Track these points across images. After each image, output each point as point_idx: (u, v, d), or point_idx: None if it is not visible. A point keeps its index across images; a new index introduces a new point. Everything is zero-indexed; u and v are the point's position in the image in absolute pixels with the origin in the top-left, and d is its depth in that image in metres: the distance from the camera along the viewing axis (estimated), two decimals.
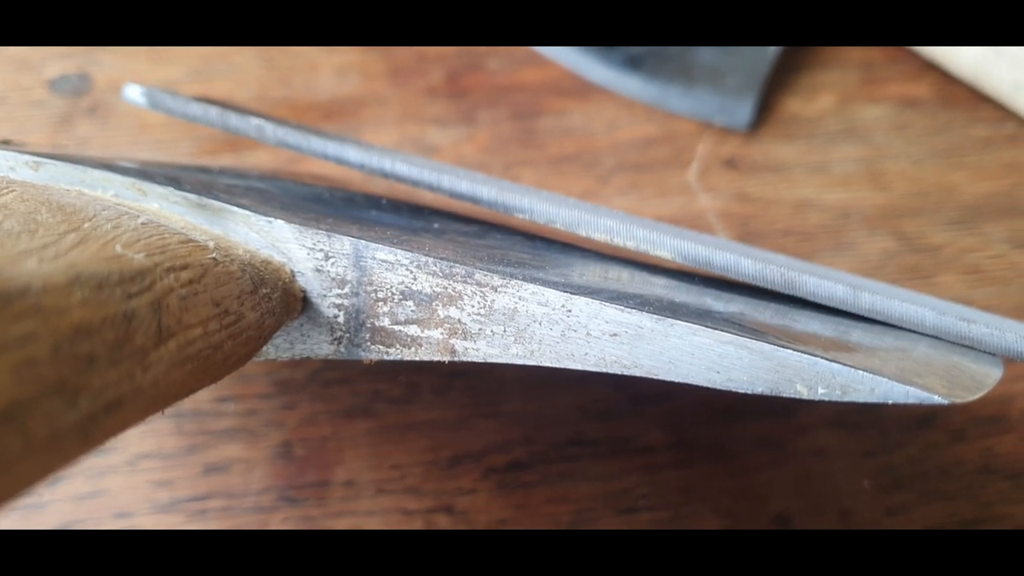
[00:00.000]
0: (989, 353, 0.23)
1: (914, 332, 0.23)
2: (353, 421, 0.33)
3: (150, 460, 0.32)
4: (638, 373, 0.20)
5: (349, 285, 0.22)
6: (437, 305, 0.21)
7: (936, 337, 0.23)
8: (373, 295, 0.22)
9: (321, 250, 0.22)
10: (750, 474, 0.32)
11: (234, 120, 0.28)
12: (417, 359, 0.22)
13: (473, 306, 0.21)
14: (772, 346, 0.19)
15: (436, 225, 0.28)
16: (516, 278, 0.21)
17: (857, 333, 0.23)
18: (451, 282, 0.21)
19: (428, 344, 0.22)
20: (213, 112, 0.29)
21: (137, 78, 0.44)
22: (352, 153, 0.28)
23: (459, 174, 0.28)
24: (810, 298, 0.24)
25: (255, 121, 0.28)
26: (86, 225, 0.17)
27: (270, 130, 0.28)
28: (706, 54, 0.46)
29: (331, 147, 0.28)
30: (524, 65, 0.46)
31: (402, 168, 0.28)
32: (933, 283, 0.38)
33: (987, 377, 0.21)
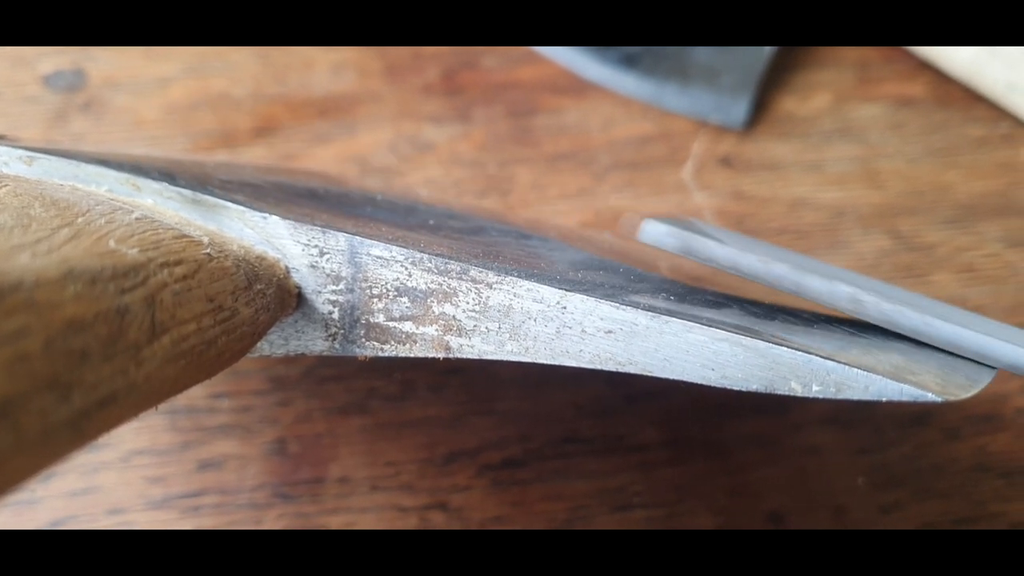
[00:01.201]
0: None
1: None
2: (348, 418, 0.33)
3: (143, 456, 0.32)
4: (633, 370, 0.20)
5: (344, 281, 0.22)
6: (432, 302, 0.21)
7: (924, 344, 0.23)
8: (368, 291, 0.22)
9: (316, 246, 0.22)
10: (744, 471, 0.32)
11: (813, 283, 0.23)
12: (412, 356, 0.22)
13: (468, 303, 0.21)
14: (767, 343, 0.19)
15: (431, 222, 0.28)
16: (511, 275, 0.21)
17: (852, 332, 0.23)
18: (446, 279, 0.21)
19: (423, 341, 0.22)
20: (781, 270, 0.23)
21: (132, 74, 0.44)
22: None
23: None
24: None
25: (846, 289, 0.23)
26: (80, 220, 0.17)
27: (871, 305, 0.23)
28: (702, 53, 0.46)
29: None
30: (520, 63, 0.46)
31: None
32: (928, 282, 0.38)
33: (981, 375, 0.21)
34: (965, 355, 0.22)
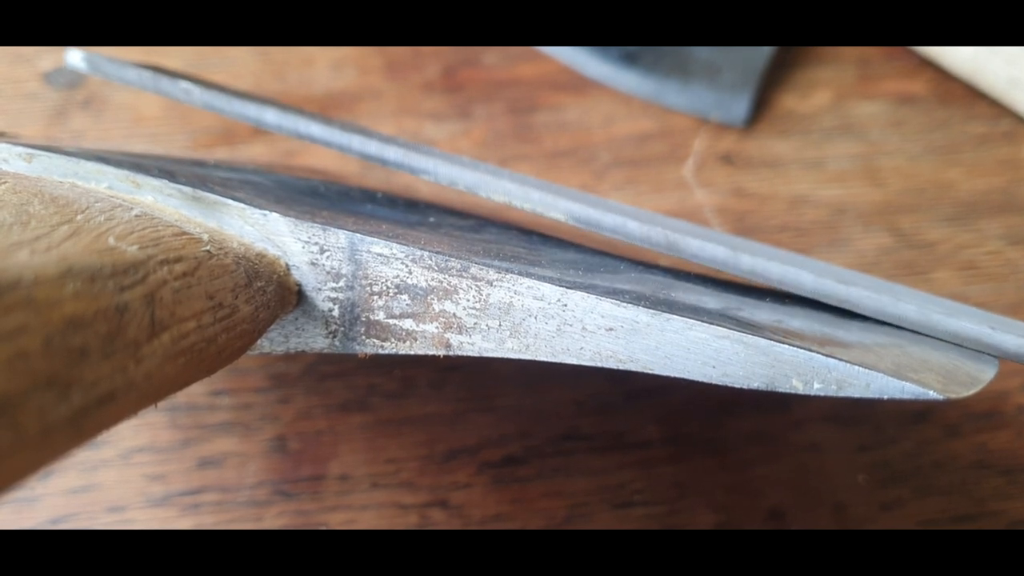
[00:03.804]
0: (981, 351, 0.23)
1: (906, 329, 0.23)
2: (348, 415, 0.33)
3: (143, 454, 0.32)
4: (634, 368, 0.20)
5: (344, 279, 0.22)
6: (432, 299, 0.21)
7: (924, 334, 0.23)
8: (368, 289, 0.22)
9: (316, 243, 0.22)
10: (745, 469, 0.32)
11: (164, 84, 0.29)
12: (412, 353, 0.22)
13: (468, 300, 0.21)
14: (768, 341, 0.19)
15: (432, 219, 0.28)
16: (512, 272, 0.21)
17: (853, 329, 0.23)
18: (446, 276, 0.21)
19: (423, 338, 0.22)
20: (146, 76, 0.29)
21: None
22: (270, 115, 0.28)
23: (371, 135, 0.28)
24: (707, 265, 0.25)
25: (183, 84, 0.29)
26: (79, 217, 0.17)
27: (197, 93, 0.29)
28: (703, 50, 0.46)
29: (251, 109, 0.28)
30: (520, 60, 0.46)
31: (314, 129, 0.28)
32: (929, 279, 0.38)
33: (982, 373, 0.21)
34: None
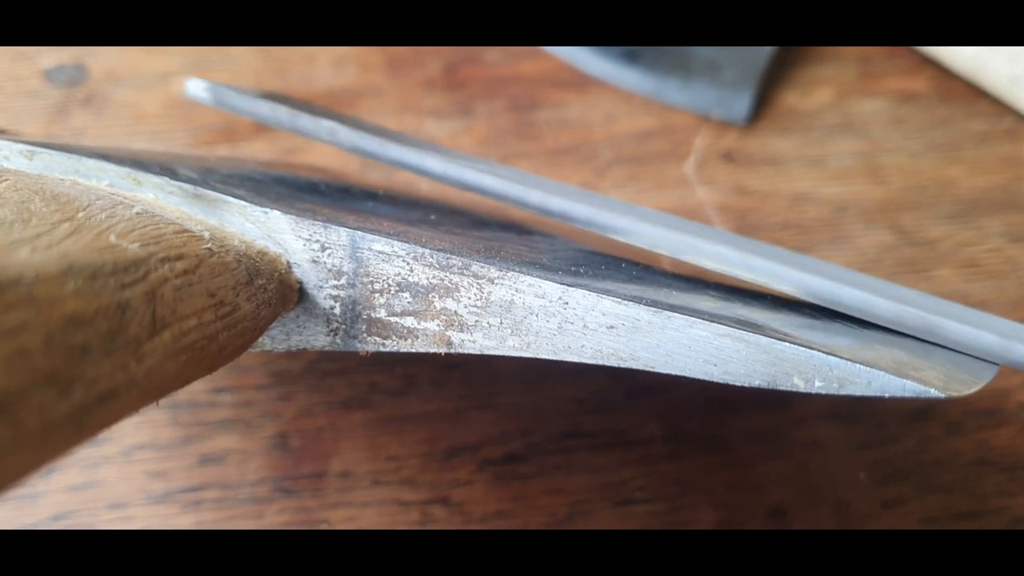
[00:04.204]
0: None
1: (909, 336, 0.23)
2: (349, 412, 0.33)
3: (145, 451, 0.32)
4: (635, 366, 0.20)
5: (345, 276, 0.22)
6: (434, 297, 0.21)
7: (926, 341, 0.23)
8: (369, 286, 0.22)
9: (317, 241, 0.22)
10: (746, 466, 0.32)
11: (305, 122, 0.27)
12: (414, 351, 0.22)
13: (470, 298, 0.21)
14: (769, 339, 0.19)
15: (433, 217, 0.28)
16: (513, 270, 0.21)
17: (853, 328, 0.23)
18: (448, 274, 0.21)
19: (424, 336, 0.22)
20: (283, 113, 0.27)
21: (133, 69, 0.44)
22: (433, 163, 0.26)
23: (553, 189, 0.26)
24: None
25: (327, 124, 0.27)
26: (80, 215, 0.17)
27: (344, 134, 0.27)
28: (704, 48, 0.46)
29: (411, 155, 0.26)
30: (521, 57, 0.46)
31: (490, 182, 0.26)
32: (930, 277, 0.38)
33: (984, 371, 0.21)
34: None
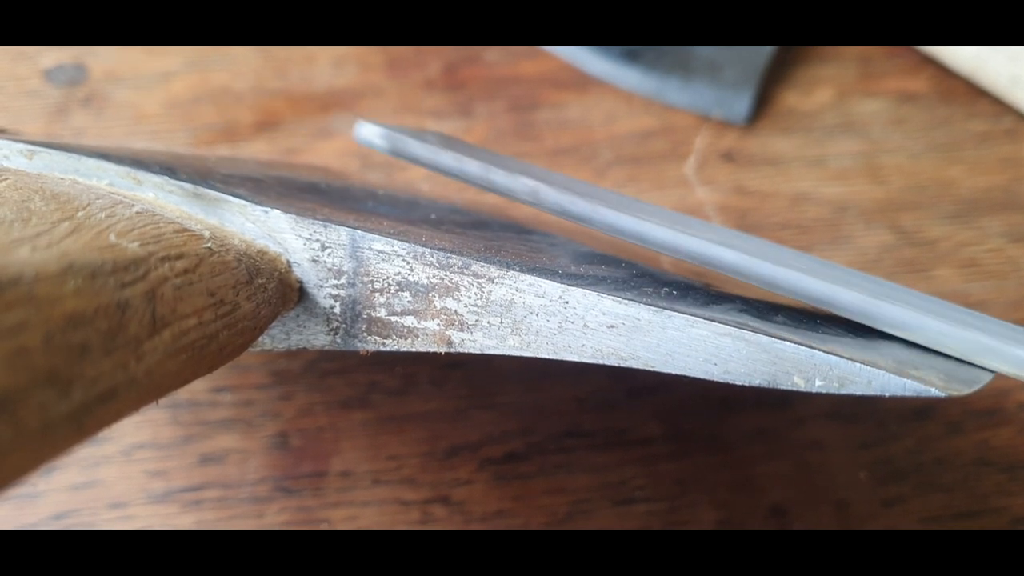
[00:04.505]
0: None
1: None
2: (350, 412, 0.33)
3: (145, 450, 0.32)
4: (635, 365, 0.20)
5: (345, 275, 0.22)
6: (434, 296, 0.21)
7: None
8: (370, 286, 0.22)
9: (317, 240, 0.22)
10: (746, 466, 0.32)
11: (500, 179, 0.24)
12: (414, 350, 0.22)
13: (470, 297, 0.21)
14: (770, 338, 0.19)
15: (433, 216, 0.28)
16: (513, 269, 0.21)
17: (858, 333, 0.22)
18: (448, 273, 0.21)
19: (425, 335, 0.22)
20: (473, 167, 0.24)
21: (133, 69, 0.44)
22: (662, 233, 0.23)
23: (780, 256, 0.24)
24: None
25: (527, 182, 0.24)
26: (80, 214, 0.17)
27: (549, 196, 0.24)
28: (704, 48, 0.46)
29: (634, 224, 0.23)
30: (522, 58, 0.46)
31: (741, 260, 0.22)
32: (930, 276, 0.38)
33: (984, 370, 0.21)
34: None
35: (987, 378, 0.20)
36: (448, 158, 0.24)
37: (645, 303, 0.20)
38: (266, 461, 0.32)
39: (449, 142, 0.27)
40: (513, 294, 0.21)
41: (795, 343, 0.19)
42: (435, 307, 0.21)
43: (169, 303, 0.17)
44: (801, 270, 0.23)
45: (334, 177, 0.33)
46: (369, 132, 0.25)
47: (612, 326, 0.20)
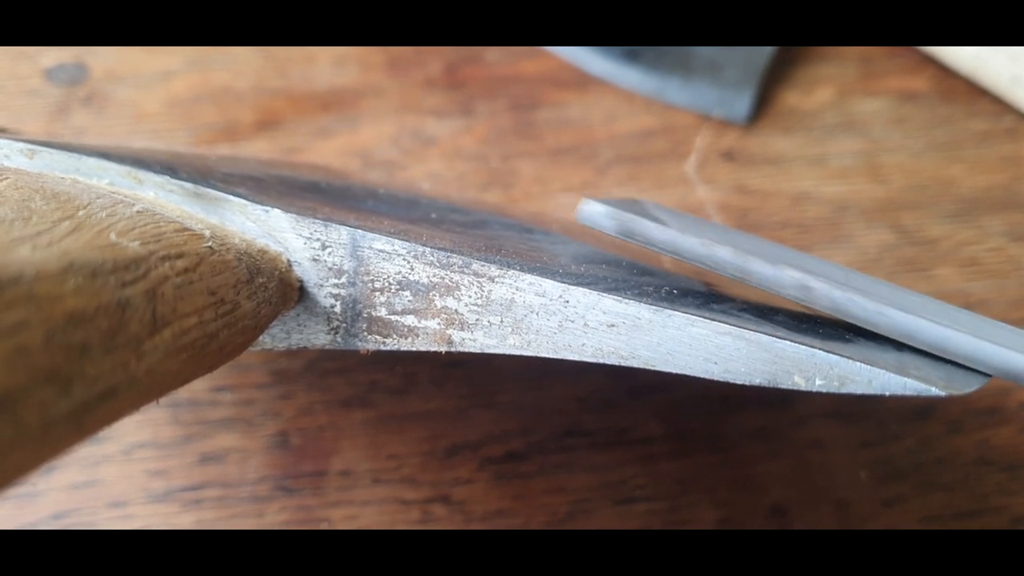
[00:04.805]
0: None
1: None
2: (350, 411, 0.33)
3: (145, 449, 0.32)
4: (635, 364, 0.20)
5: (346, 275, 0.22)
6: (434, 295, 0.21)
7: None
8: (370, 285, 0.22)
9: (318, 239, 0.22)
10: (747, 465, 0.32)
11: (759, 268, 0.21)
12: (414, 349, 0.22)
13: (470, 296, 0.21)
14: (770, 337, 0.19)
15: (434, 215, 0.28)
16: (513, 268, 0.21)
17: (857, 332, 0.22)
18: (448, 272, 0.21)
19: (425, 334, 0.22)
20: (725, 255, 0.21)
21: (133, 68, 0.44)
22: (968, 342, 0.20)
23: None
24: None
25: (793, 275, 0.21)
26: (80, 213, 0.17)
27: (822, 292, 0.21)
28: (705, 47, 0.46)
29: (927, 328, 0.20)
30: (522, 57, 0.46)
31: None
32: (931, 276, 0.38)
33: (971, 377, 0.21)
34: (921, 347, 0.21)
35: (987, 377, 0.20)
36: (694, 244, 0.22)
37: (645, 302, 0.20)
38: (266, 460, 0.32)
39: (682, 220, 0.24)
40: (513, 293, 0.21)
41: (796, 342, 0.19)
42: (435, 306, 0.21)
43: (169, 302, 0.17)
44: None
45: (335, 176, 0.33)
46: (594, 211, 0.22)
47: (612, 325, 0.20)
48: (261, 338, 0.23)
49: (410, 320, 0.22)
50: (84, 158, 0.22)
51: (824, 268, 0.24)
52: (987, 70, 0.44)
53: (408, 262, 0.21)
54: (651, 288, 0.22)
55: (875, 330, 0.21)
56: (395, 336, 0.22)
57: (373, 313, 0.22)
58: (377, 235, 0.21)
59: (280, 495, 0.31)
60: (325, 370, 0.34)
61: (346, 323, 0.22)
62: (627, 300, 0.20)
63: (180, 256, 0.18)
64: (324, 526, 0.31)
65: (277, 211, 0.21)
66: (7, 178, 0.18)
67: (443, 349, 0.22)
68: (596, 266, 0.24)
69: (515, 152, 0.42)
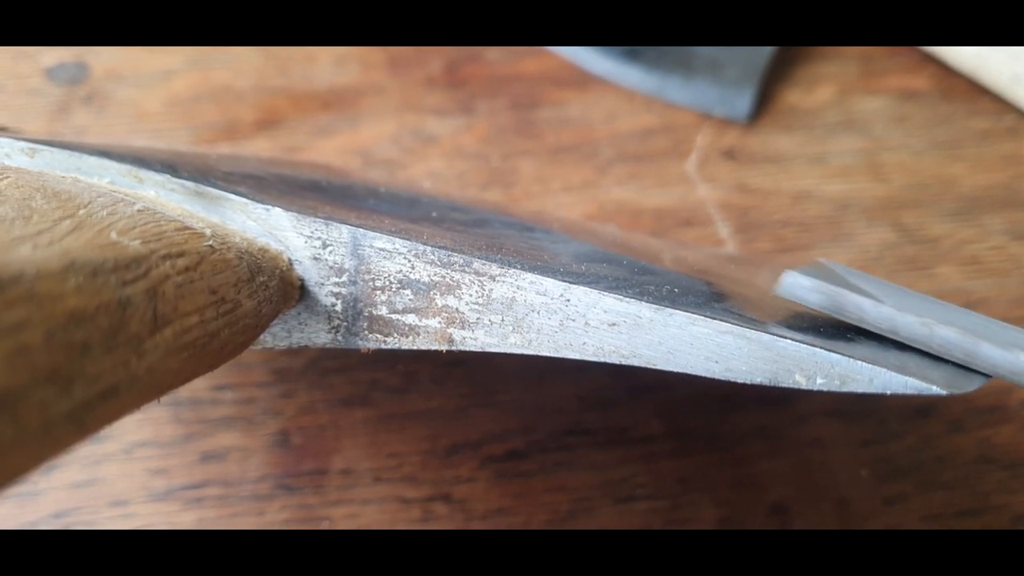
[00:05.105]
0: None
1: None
2: (351, 410, 0.33)
3: (146, 448, 0.32)
4: (637, 363, 0.20)
5: (347, 273, 0.22)
6: (435, 294, 0.21)
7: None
8: (371, 284, 0.22)
9: (319, 238, 0.22)
10: (748, 463, 0.32)
11: (990, 352, 0.20)
12: (415, 348, 0.22)
13: (471, 295, 0.21)
14: (771, 336, 0.19)
15: (434, 214, 0.28)
16: (514, 267, 0.21)
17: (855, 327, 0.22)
18: (449, 271, 0.21)
19: (426, 333, 0.22)
20: (950, 336, 0.20)
21: (134, 67, 0.44)
22: None
23: None
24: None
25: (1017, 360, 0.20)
26: (81, 212, 0.17)
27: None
28: (706, 46, 0.46)
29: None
30: (523, 56, 0.46)
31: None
32: (932, 274, 0.38)
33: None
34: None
35: (988, 377, 0.20)
36: (913, 324, 0.20)
37: (647, 301, 0.20)
38: (267, 459, 0.32)
39: (887, 290, 0.23)
40: (514, 292, 0.21)
41: (797, 341, 0.19)
42: (436, 305, 0.21)
43: (170, 301, 0.17)
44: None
45: (335, 175, 0.33)
46: (799, 284, 0.21)
47: (613, 324, 0.20)
48: (262, 337, 0.23)
49: (411, 319, 0.22)
50: (85, 157, 0.22)
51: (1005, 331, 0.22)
52: (988, 69, 0.44)
53: (409, 261, 0.21)
54: (652, 287, 0.22)
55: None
56: (396, 335, 0.22)
57: (374, 312, 0.22)
58: (378, 234, 0.21)
59: (281, 493, 0.31)
60: (326, 369, 0.34)
61: (347, 322, 0.22)
62: (628, 299, 0.20)
63: (181, 255, 0.18)
64: (325, 524, 0.31)
65: (278, 210, 0.21)
66: (8, 177, 0.18)
67: (444, 348, 0.22)
68: (597, 265, 0.24)
69: (516, 151, 0.42)
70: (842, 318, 0.21)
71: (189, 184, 0.21)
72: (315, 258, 0.22)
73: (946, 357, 0.21)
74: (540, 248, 0.25)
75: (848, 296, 0.21)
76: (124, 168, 0.22)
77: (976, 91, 0.45)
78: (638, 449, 0.32)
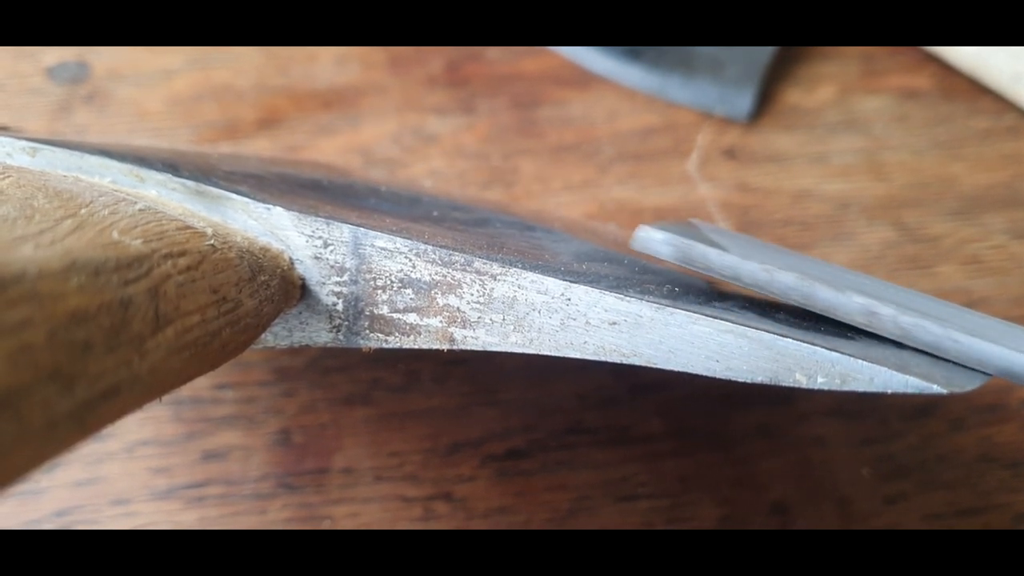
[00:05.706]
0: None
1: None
2: (352, 408, 0.33)
3: (148, 447, 0.32)
4: (637, 362, 0.20)
5: (348, 273, 0.22)
6: (436, 293, 0.21)
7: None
8: (372, 283, 0.22)
9: (320, 238, 0.22)
10: (749, 462, 0.32)
11: (825, 295, 0.21)
12: (416, 347, 0.22)
13: (472, 294, 0.21)
14: (772, 335, 0.19)
15: (435, 213, 0.28)
16: (515, 266, 0.21)
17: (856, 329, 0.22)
18: (450, 270, 0.21)
19: (427, 332, 0.22)
20: (789, 280, 0.21)
21: (135, 66, 0.44)
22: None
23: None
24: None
25: (860, 301, 0.21)
26: (83, 211, 0.17)
27: (889, 318, 0.20)
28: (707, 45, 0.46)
29: (1001, 353, 0.20)
30: (524, 55, 0.46)
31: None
32: (932, 273, 0.38)
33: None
34: (991, 371, 0.20)
35: (988, 376, 0.20)
36: (755, 270, 0.21)
37: (647, 300, 0.20)
38: (268, 458, 0.32)
39: (741, 242, 0.24)
40: (515, 291, 0.21)
41: (797, 340, 0.19)
42: (437, 304, 0.21)
43: (172, 300, 0.17)
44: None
45: (336, 174, 0.33)
46: (651, 237, 0.22)
47: (614, 323, 0.20)
48: (263, 336, 0.23)
49: (412, 318, 0.22)
50: (86, 156, 0.22)
51: (886, 291, 0.23)
52: (988, 68, 0.44)
53: (410, 260, 0.21)
54: (653, 286, 0.22)
55: (944, 355, 0.20)
56: (397, 334, 0.22)
57: (375, 311, 0.22)
58: (379, 233, 0.21)
59: (282, 492, 0.31)
60: (327, 368, 0.34)
61: (348, 321, 0.22)
62: (629, 298, 0.20)
63: (182, 254, 0.18)
64: (326, 523, 0.31)
65: (279, 209, 0.21)
66: (9, 176, 0.18)
67: (445, 347, 0.22)
68: (598, 264, 0.24)
69: (516, 150, 0.42)
70: (691, 268, 0.22)
71: (190, 183, 0.22)
72: (316, 257, 0.22)
73: (785, 301, 0.21)
74: (541, 247, 0.25)
75: (696, 247, 0.22)
76: (125, 167, 0.22)
77: (977, 90, 0.45)
78: (639, 448, 0.33)
